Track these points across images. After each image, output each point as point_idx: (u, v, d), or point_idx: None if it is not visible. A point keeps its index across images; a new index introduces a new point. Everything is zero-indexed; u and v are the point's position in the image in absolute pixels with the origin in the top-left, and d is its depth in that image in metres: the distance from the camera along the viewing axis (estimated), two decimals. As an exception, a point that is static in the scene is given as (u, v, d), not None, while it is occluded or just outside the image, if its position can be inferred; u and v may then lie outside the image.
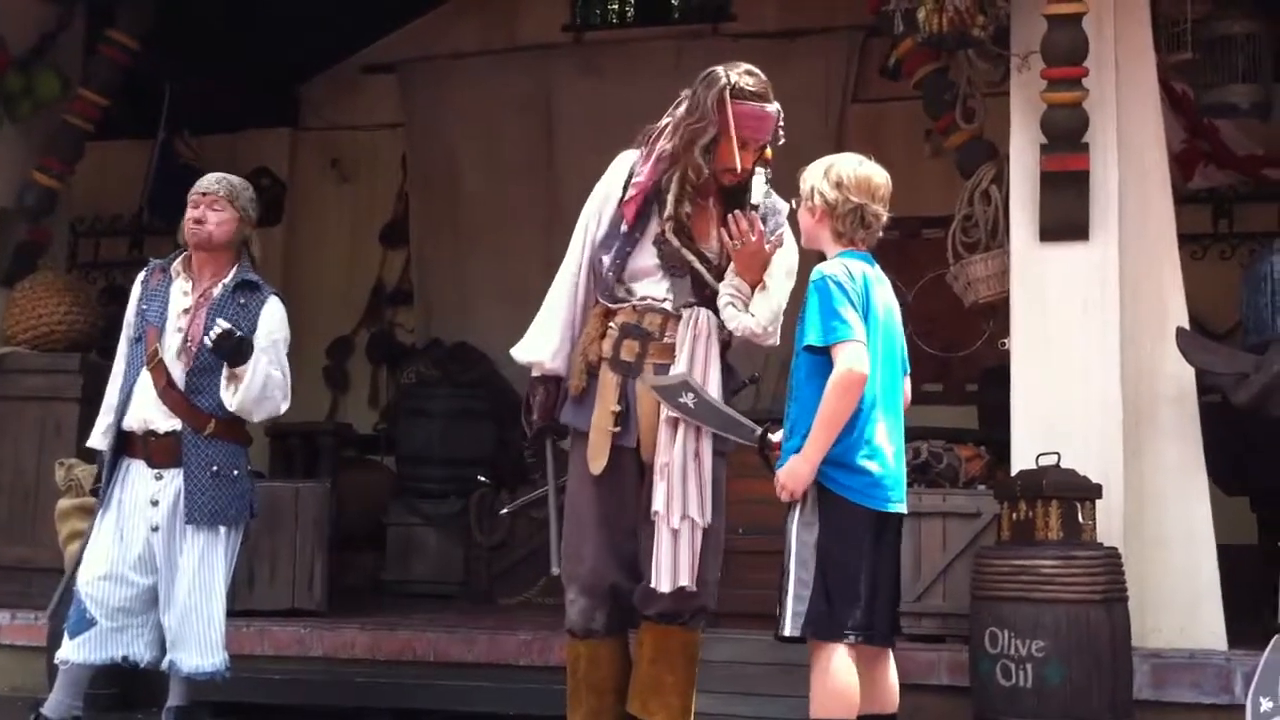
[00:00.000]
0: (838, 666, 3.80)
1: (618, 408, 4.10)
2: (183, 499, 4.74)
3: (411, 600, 7.45)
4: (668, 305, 4.15)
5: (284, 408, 4.93)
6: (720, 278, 4.14)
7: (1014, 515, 5.03)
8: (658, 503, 4.01)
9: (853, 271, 3.90)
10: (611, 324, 4.17)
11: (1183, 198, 6.15)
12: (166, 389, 4.77)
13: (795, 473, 3.84)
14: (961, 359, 8.08)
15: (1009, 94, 5.61)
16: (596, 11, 9.60)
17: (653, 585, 4.02)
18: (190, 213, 4.87)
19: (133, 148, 8.83)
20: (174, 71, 8.43)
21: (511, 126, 9.19)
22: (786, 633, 3.84)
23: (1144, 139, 5.59)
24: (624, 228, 4.16)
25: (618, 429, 4.09)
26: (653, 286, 4.17)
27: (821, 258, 4.04)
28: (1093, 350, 5.37)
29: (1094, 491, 5.04)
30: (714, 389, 4.06)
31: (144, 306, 4.90)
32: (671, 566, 3.99)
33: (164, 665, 4.83)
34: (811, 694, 3.86)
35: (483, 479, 7.95)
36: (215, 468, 4.77)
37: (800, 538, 3.84)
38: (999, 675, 4.83)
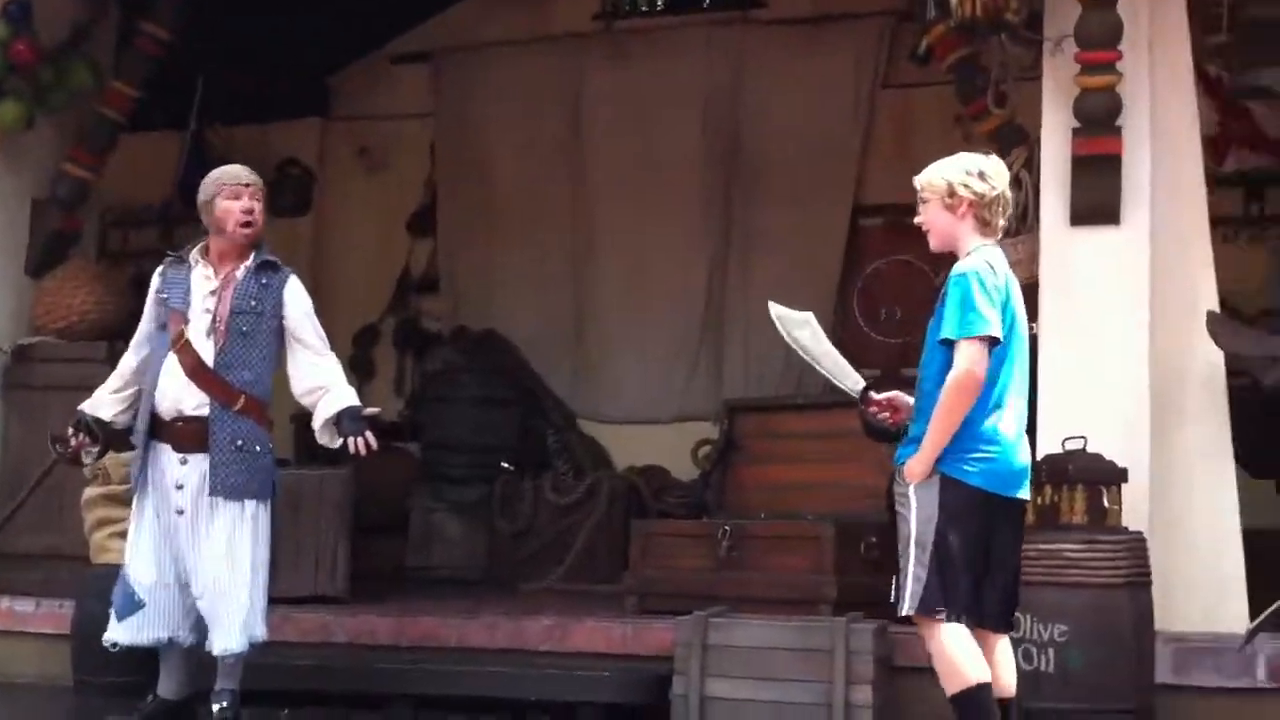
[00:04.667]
0: (951, 640, 3.87)
1: None
2: (208, 474, 4.80)
3: (434, 586, 7.44)
4: None
5: None
6: None
7: (1039, 499, 4.97)
8: None
9: (995, 267, 3.99)
10: None
11: (1214, 181, 6.08)
12: (196, 369, 4.86)
13: (912, 471, 3.94)
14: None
15: (1040, 79, 5.56)
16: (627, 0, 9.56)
17: None
18: (236, 204, 4.93)
19: (161, 138, 8.86)
20: (205, 63, 8.46)
21: (541, 115, 9.15)
22: (905, 611, 3.92)
23: (1178, 122, 5.54)
24: None
25: None
26: None
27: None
28: (1121, 334, 5.32)
29: (1120, 475, 5.00)
30: None
31: (164, 294, 5.01)
32: None
33: (208, 646, 4.88)
34: (939, 674, 3.92)
35: (506, 466, 7.96)
36: (240, 442, 4.84)
37: (920, 519, 3.91)
38: (1021, 660, 4.74)
